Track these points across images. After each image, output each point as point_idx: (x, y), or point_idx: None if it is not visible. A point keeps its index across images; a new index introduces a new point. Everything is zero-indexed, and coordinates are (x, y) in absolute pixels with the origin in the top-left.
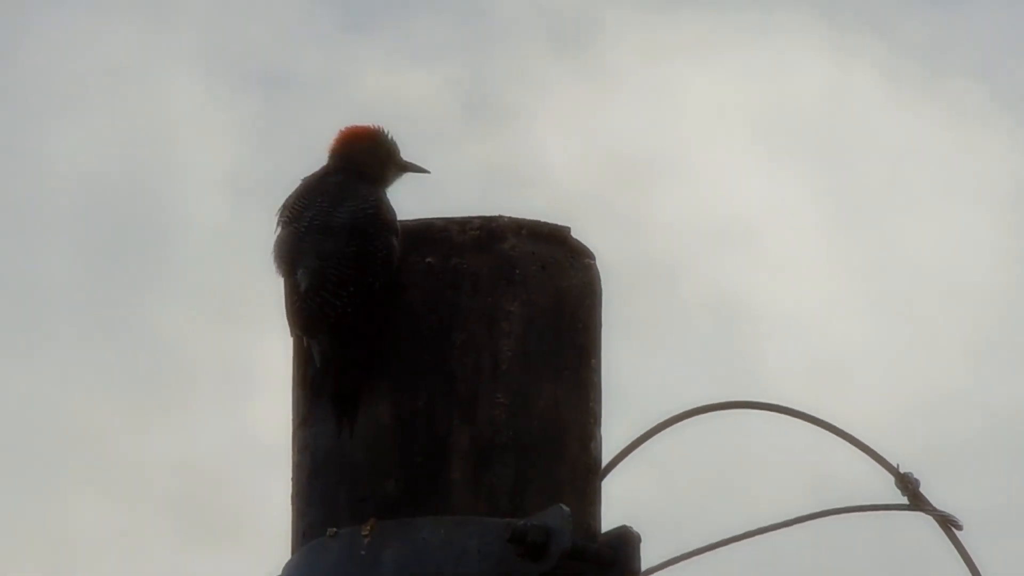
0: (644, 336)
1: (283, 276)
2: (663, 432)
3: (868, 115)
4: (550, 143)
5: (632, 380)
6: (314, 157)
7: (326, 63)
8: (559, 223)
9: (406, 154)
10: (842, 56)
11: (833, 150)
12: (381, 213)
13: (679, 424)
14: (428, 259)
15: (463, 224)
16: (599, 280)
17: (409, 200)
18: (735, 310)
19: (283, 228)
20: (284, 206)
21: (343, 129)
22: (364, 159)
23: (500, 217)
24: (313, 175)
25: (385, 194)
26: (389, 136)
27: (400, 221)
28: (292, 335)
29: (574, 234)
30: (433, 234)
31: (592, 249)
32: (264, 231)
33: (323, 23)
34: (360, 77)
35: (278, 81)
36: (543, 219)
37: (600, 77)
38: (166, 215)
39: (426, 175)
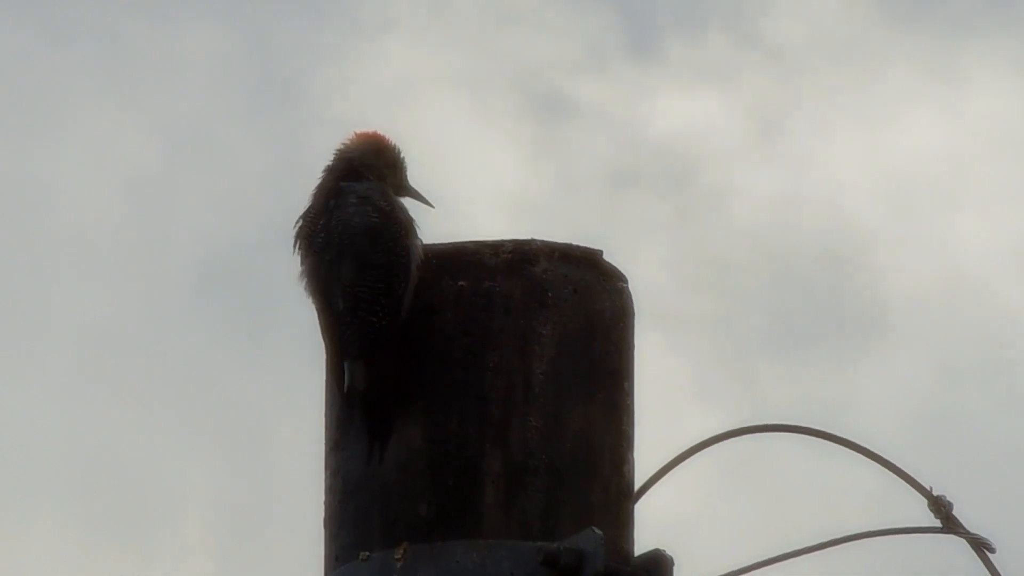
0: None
1: (317, 305)
2: (696, 455)
3: None
4: (835, 164)
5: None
6: (587, 179)
7: (608, 88)
8: (591, 246)
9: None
10: None
11: None
12: (394, 213)
13: (712, 447)
14: (461, 282)
15: (495, 247)
16: (631, 303)
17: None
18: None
19: (304, 257)
20: (297, 230)
21: (350, 137)
22: (370, 160)
23: (532, 240)
24: (318, 185)
25: (392, 193)
26: (398, 151)
27: (431, 245)
28: (331, 360)
29: (606, 257)
30: (465, 257)
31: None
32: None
33: (606, 48)
34: (645, 102)
35: (559, 106)
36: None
37: (884, 98)
38: (448, 233)
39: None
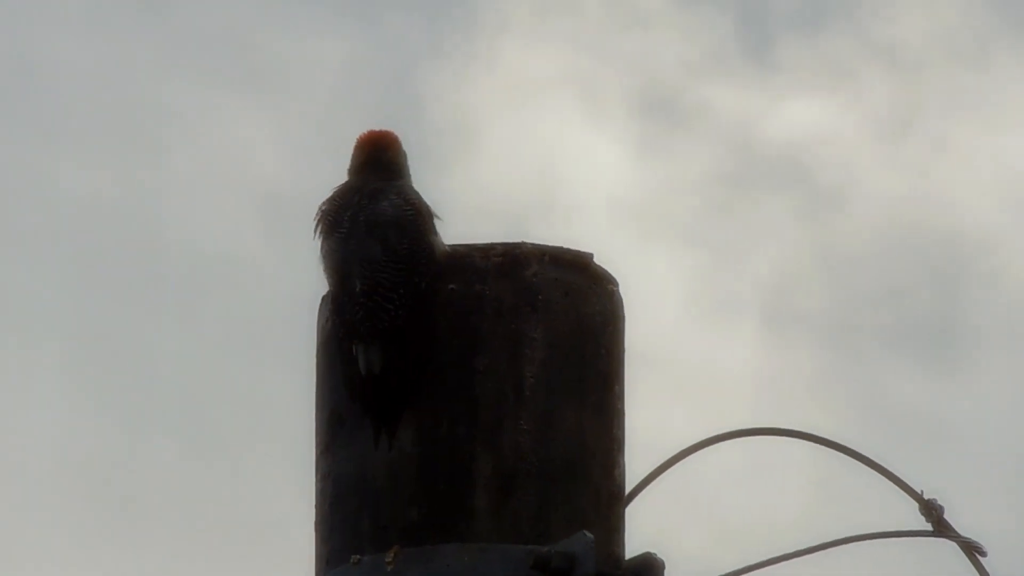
0: None
1: (333, 286)
2: (687, 459)
3: None
4: (957, 167)
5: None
6: (703, 180)
7: (725, 90)
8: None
9: None
10: None
11: None
12: (422, 208)
13: (703, 451)
14: (451, 285)
15: (486, 251)
16: (622, 306)
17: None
18: None
19: (326, 238)
20: (321, 213)
21: (365, 135)
22: (393, 158)
23: (523, 244)
24: (346, 181)
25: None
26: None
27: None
28: (343, 343)
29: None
30: (456, 260)
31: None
32: (649, 256)
33: (722, 50)
34: (763, 103)
35: (673, 108)
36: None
37: (1006, 99)
38: (559, 237)
39: None
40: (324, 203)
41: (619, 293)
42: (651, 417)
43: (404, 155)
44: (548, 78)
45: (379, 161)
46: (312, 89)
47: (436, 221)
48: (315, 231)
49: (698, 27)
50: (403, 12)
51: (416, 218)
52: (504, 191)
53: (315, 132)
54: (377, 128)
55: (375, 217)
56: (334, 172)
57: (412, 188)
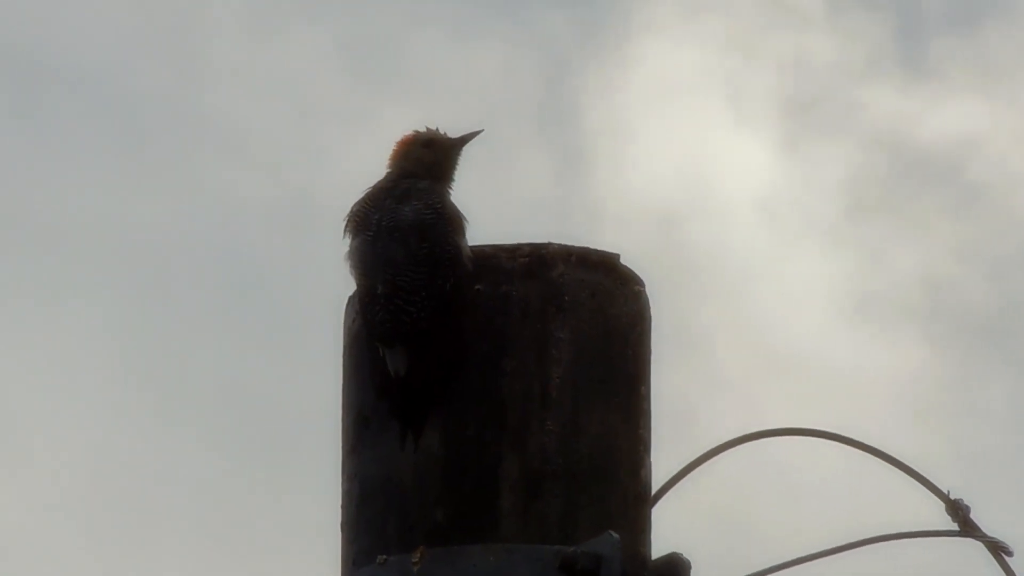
0: None
1: (358, 285)
2: (713, 459)
3: None
4: None
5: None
6: (842, 181)
7: (878, 90)
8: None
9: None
10: None
11: None
12: (446, 210)
13: (729, 451)
14: (477, 286)
15: (512, 251)
16: (648, 307)
17: None
18: None
19: (354, 237)
20: (351, 213)
21: (399, 140)
22: (424, 159)
23: (549, 244)
24: (378, 183)
25: (448, 194)
26: (431, 130)
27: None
28: (368, 344)
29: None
30: (482, 261)
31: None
32: (796, 256)
33: (874, 49)
34: (916, 104)
35: (821, 108)
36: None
37: None
38: (705, 242)
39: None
40: (355, 204)
41: (645, 294)
42: (793, 420)
43: (440, 153)
44: (696, 79)
45: (407, 162)
46: (466, 92)
47: (465, 224)
48: (344, 231)
49: (851, 28)
50: (557, 13)
51: (437, 221)
52: (654, 192)
53: (449, 126)
54: (433, 129)
55: (398, 221)
56: (484, 175)
57: (440, 191)
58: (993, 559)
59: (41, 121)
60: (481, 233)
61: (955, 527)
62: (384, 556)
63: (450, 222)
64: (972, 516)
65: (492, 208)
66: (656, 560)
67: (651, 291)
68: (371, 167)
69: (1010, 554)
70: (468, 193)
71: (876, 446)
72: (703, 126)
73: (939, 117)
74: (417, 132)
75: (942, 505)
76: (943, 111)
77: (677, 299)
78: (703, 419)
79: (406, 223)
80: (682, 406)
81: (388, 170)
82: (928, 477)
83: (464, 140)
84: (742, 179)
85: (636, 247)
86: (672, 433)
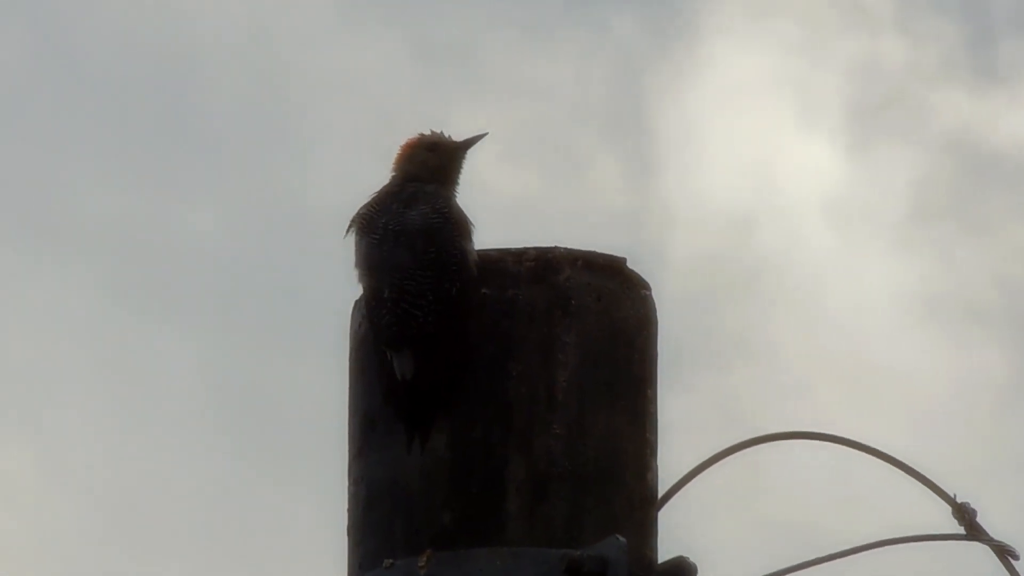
0: None
1: (365, 289)
2: (719, 462)
3: None
4: None
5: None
6: (911, 184)
7: (949, 92)
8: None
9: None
10: None
11: None
12: (452, 215)
13: (735, 454)
14: (484, 290)
15: (519, 255)
16: (655, 311)
17: None
18: None
19: (360, 238)
20: (357, 215)
21: (403, 144)
22: (429, 163)
23: (556, 248)
24: (384, 187)
25: (455, 197)
26: (436, 133)
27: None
28: (375, 348)
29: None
30: (489, 265)
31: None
32: (864, 259)
33: (945, 52)
34: (987, 107)
35: (890, 110)
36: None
37: None
38: (774, 245)
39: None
40: (362, 207)
41: (652, 297)
42: (862, 426)
43: (445, 157)
44: (766, 81)
45: (411, 166)
46: (539, 95)
47: (471, 228)
48: (347, 232)
49: (921, 31)
50: (628, 16)
51: (444, 226)
52: (723, 196)
53: (542, 138)
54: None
55: (404, 225)
56: (558, 179)
57: (447, 195)
58: (1000, 563)
59: (118, 128)
60: (553, 237)
61: (962, 531)
62: (391, 559)
63: (457, 226)
64: (978, 520)
65: (566, 213)
66: (663, 563)
67: (719, 295)
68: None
69: (1017, 558)
70: (542, 198)
71: (883, 450)
72: (772, 129)
73: (1009, 120)
74: (422, 135)
75: (948, 509)
76: (1013, 114)
77: (746, 303)
78: (768, 421)
79: (413, 227)
80: (749, 408)
81: (393, 174)
82: (935, 481)
83: (469, 143)
84: (811, 182)
85: (706, 251)
86: (739, 436)
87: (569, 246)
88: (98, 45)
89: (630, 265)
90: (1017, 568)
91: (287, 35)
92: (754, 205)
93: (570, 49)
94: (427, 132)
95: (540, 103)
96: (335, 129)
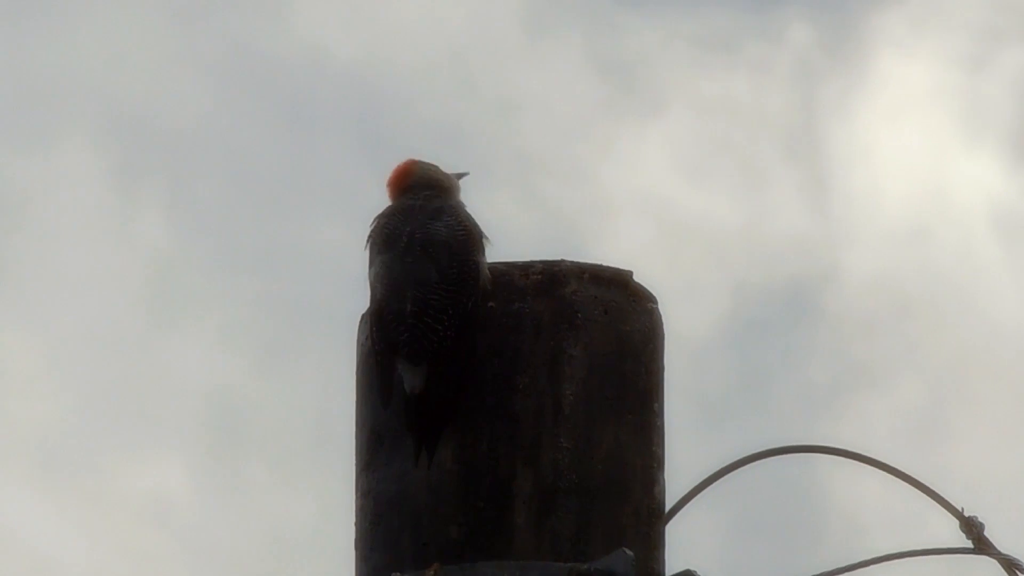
0: None
1: (380, 301)
2: (727, 476)
3: None
4: None
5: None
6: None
7: None
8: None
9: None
10: None
11: None
12: (473, 229)
13: (742, 468)
14: (490, 303)
15: (525, 269)
16: (661, 324)
17: None
18: None
19: (380, 252)
20: (376, 229)
21: (399, 167)
22: (436, 180)
23: (562, 261)
24: (396, 204)
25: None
26: (424, 162)
27: None
28: (382, 359)
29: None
30: (495, 278)
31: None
32: None
33: None
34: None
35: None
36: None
37: None
38: (945, 256)
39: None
40: (381, 217)
41: (659, 311)
42: (991, 443)
43: (437, 174)
44: (926, 93)
45: (430, 182)
46: (713, 109)
47: (485, 243)
48: (366, 244)
49: None
50: (801, 28)
51: (467, 239)
52: (894, 211)
53: (699, 146)
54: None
55: (431, 237)
56: (739, 195)
57: (463, 208)
58: None
59: (303, 144)
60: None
61: (969, 544)
62: (398, 573)
63: (476, 241)
64: (986, 533)
65: (747, 229)
66: None
67: (892, 309)
68: (625, 184)
69: None
70: (718, 216)
71: (891, 464)
72: (939, 142)
73: None
74: (412, 160)
75: (956, 522)
76: None
77: (919, 316)
78: (946, 437)
79: (439, 239)
80: (920, 420)
81: (391, 203)
82: (941, 494)
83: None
84: (978, 195)
85: (882, 266)
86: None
87: (749, 269)
88: (292, 66)
89: (636, 279)
90: None
91: (478, 54)
92: (923, 220)
93: (746, 62)
94: (415, 158)
95: (716, 118)
96: (513, 144)
